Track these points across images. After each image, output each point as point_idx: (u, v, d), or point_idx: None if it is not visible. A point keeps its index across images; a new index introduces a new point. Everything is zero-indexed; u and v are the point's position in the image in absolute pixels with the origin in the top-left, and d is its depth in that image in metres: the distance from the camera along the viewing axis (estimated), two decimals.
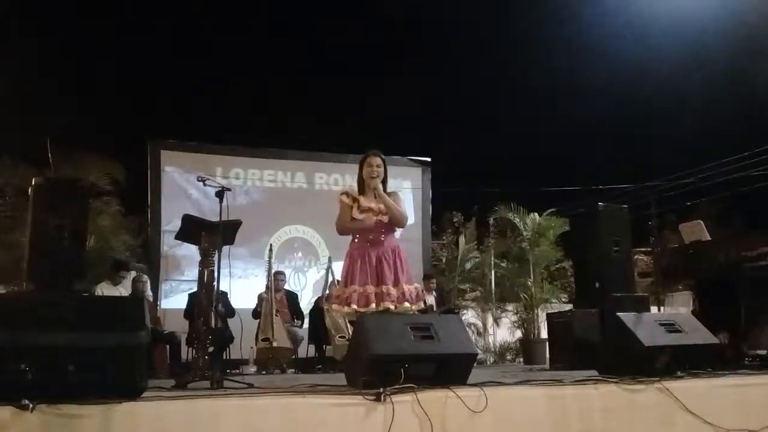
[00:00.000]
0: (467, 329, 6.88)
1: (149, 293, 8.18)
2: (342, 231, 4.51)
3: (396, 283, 4.30)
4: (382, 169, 4.49)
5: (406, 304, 4.31)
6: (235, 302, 7.35)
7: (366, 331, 3.32)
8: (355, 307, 4.21)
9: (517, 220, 10.18)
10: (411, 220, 10.65)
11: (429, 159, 11.18)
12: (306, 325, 8.54)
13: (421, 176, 11.05)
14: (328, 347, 8.03)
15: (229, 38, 16.98)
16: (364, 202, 4.42)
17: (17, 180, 8.26)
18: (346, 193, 4.51)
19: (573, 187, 14.76)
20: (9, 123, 9.53)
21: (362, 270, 4.30)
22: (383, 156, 4.54)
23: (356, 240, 4.45)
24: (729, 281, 5.24)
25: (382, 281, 4.29)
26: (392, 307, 4.24)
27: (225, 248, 4.56)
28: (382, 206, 4.42)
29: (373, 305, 4.23)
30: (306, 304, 9.10)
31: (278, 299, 8.18)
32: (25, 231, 3.80)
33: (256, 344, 7.72)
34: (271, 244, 8.79)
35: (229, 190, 4.61)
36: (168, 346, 7.56)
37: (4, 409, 2.55)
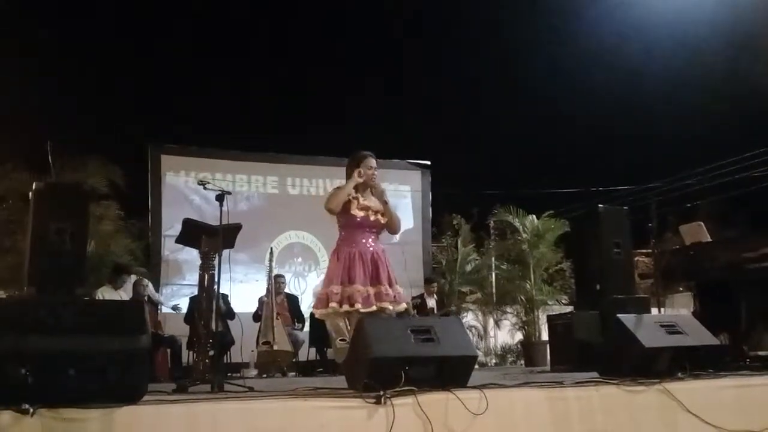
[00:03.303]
0: (468, 331, 6.89)
1: (156, 295, 8.18)
2: (336, 210, 4.38)
3: (390, 284, 4.33)
4: (377, 172, 4.53)
5: (403, 305, 4.38)
6: (236, 306, 7.36)
7: (366, 333, 3.32)
8: (359, 306, 4.20)
9: (516, 222, 10.19)
10: (410, 223, 10.75)
11: (428, 162, 11.21)
12: (307, 328, 8.55)
13: (421, 179, 11.08)
14: (328, 350, 8.03)
15: (230, 40, 16.99)
16: (363, 200, 4.43)
17: (19, 185, 8.27)
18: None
19: (573, 189, 14.76)
20: (10, 128, 9.54)
21: (361, 269, 4.30)
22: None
23: (349, 237, 4.42)
24: (730, 282, 5.24)
25: (378, 281, 4.30)
26: (390, 306, 4.26)
27: (225, 252, 4.56)
28: (380, 205, 4.44)
29: (374, 306, 4.24)
30: (306, 307, 9.10)
31: (279, 302, 8.19)
32: (26, 236, 3.81)
33: (256, 347, 7.73)
34: (271, 248, 8.81)
35: (229, 193, 4.61)
36: (169, 350, 7.58)
37: (5, 413, 2.54)
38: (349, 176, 4.50)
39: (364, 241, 4.39)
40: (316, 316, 4.52)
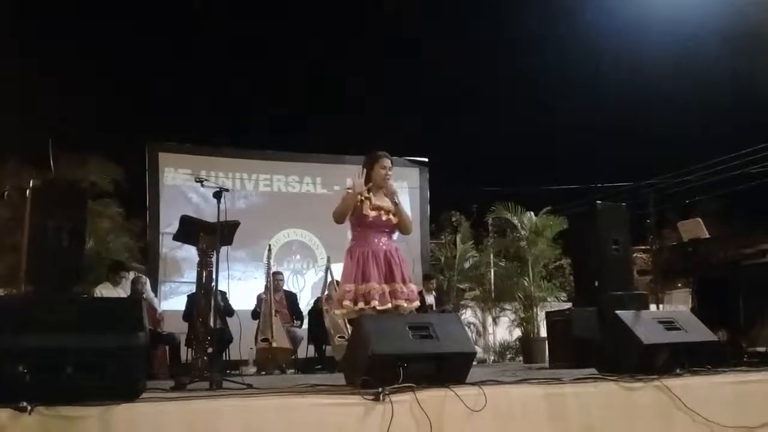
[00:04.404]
0: (466, 328, 6.89)
1: (151, 295, 8.18)
2: (339, 221, 4.40)
3: (404, 281, 4.33)
4: (392, 172, 4.52)
5: (416, 303, 4.38)
6: (235, 303, 7.35)
7: (365, 330, 3.32)
8: (375, 304, 4.19)
9: (515, 219, 10.19)
10: None
11: (426, 159, 11.21)
12: (305, 325, 8.55)
13: (419, 176, 11.08)
14: (327, 347, 8.03)
15: (229, 39, 16.99)
16: (375, 200, 4.43)
17: (21, 182, 8.25)
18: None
19: (572, 186, 14.77)
20: (12, 125, 9.53)
21: (375, 267, 4.29)
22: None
23: (362, 237, 4.41)
24: (728, 279, 5.25)
25: (392, 279, 4.30)
26: (405, 305, 4.26)
27: (224, 250, 4.56)
28: (391, 206, 4.44)
29: (389, 304, 4.24)
30: (305, 305, 9.11)
31: (277, 299, 8.19)
32: (23, 233, 3.79)
33: (255, 345, 7.72)
34: (270, 245, 8.80)
35: (227, 190, 4.61)
36: (167, 347, 7.56)
37: (3, 411, 2.55)
38: (368, 172, 4.49)
39: (376, 240, 4.39)
40: (338, 315, 4.49)
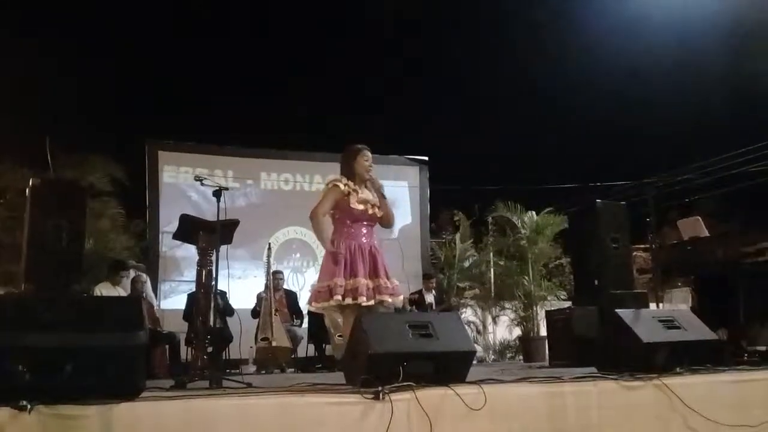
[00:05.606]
0: (466, 327, 6.89)
1: (151, 293, 8.18)
2: (321, 218, 4.37)
3: (387, 276, 4.32)
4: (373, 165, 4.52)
5: (401, 298, 4.38)
6: (235, 302, 7.36)
7: (364, 329, 3.31)
8: (363, 300, 4.18)
9: (515, 218, 10.19)
10: (408, 219, 10.77)
11: (426, 158, 11.21)
12: (305, 324, 8.55)
13: (419, 175, 11.08)
14: (327, 346, 8.03)
15: (229, 38, 16.97)
16: (361, 193, 4.41)
17: (19, 181, 8.24)
18: (341, 182, 4.41)
19: (571, 185, 14.76)
20: (11, 124, 9.51)
21: (362, 262, 4.28)
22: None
23: (347, 230, 4.38)
24: (728, 277, 5.24)
25: (376, 274, 4.30)
26: (389, 300, 4.26)
27: (223, 249, 4.55)
28: (376, 199, 4.43)
29: (372, 301, 4.24)
30: (305, 304, 9.08)
31: (277, 298, 8.19)
32: (23, 232, 3.79)
33: (255, 344, 7.73)
34: (269, 244, 8.80)
35: (226, 189, 4.60)
36: (167, 347, 7.57)
37: (2, 410, 2.54)
38: (344, 168, 4.47)
39: (361, 234, 4.38)
40: (315, 309, 4.46)
